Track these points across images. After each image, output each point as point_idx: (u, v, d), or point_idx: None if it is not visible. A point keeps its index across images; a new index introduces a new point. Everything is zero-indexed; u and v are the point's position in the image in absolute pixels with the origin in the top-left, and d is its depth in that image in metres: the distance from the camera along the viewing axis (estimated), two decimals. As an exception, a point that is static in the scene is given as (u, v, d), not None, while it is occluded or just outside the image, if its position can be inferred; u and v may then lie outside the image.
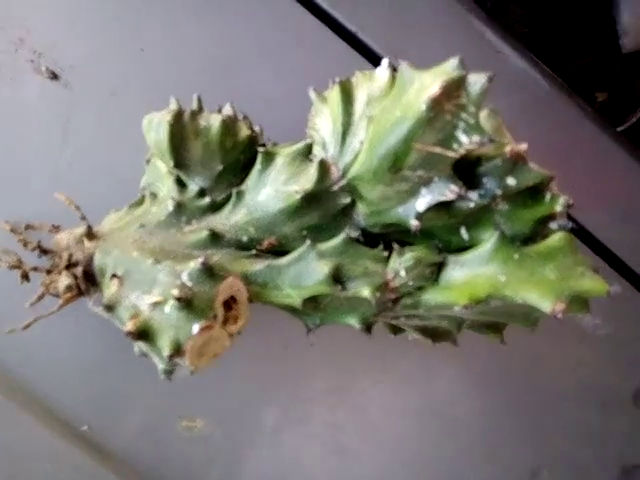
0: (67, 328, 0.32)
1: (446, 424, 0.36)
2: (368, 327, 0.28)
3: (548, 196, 0.23)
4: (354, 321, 0.26)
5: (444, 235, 0.25)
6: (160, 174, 0.29)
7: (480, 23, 0.37)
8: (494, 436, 0.37)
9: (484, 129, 0.20)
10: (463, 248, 0.25)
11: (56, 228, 0.28)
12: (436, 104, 0.19)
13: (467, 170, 0.22)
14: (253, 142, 0.28)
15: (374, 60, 0.35)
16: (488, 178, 0.22)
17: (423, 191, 0.22)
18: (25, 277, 0.28)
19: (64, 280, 0.26)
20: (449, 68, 0.19)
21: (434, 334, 0.29)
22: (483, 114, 0.23)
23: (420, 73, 0.20)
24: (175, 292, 0.23)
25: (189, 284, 0.24)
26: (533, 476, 0.37)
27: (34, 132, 0.31)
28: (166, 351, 0.23)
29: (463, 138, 0.20)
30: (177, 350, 0.23)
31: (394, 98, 0.21)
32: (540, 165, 0.22)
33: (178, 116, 0.26)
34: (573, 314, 0.23)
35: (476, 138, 0.20)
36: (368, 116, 0.23)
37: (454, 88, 0.19)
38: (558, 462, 0.37)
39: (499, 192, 0.22)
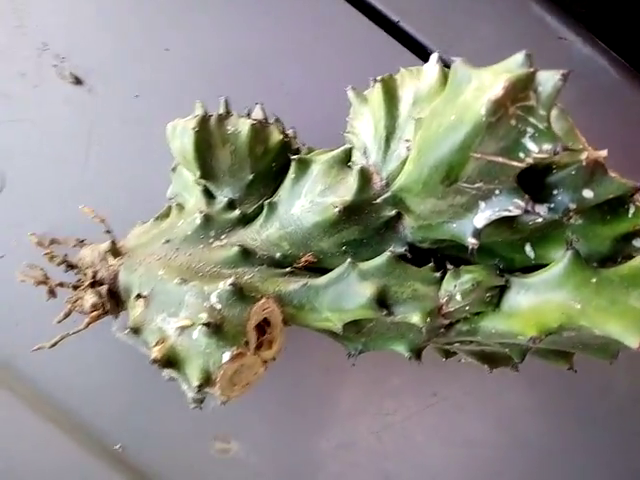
0: (98, 345, 0.31)
1: (497, 453, 0.33)
2: (418, 353, 0.25)
3: (632, 209, 0.19)
4: (402, 348, 0.23)
5: (506, 252, 0.22)
6: (187, 184, 0.27)
7: (539, 6, 0.33)
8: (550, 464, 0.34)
9: (556, 135, 0.17)
10: (529, 267, 0.21)
11: (81, 242, 0.26)
12: (499, 107, 0.16)
13: (535, 179, 0.19)
14: (286, 148, 0.26)
15: (419, 52, 0.32)
16: (560, 190, 0.19)
17: (482, 205, 0.19)
18: (51, 293, 0.27)
19: (90, 298, 0.25)
20: (513, 65, 0.16)
21: (492, 360, 0.26)
22: (552, 115, 0.19)
23: (478, 71, 0.17)
24: (203, 316, 0.21)
25: (218, 307, 0.22)
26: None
27: (59, 139, 0.30)
28: (195, 381, 0.21)
29: (531, 146, 0.17)
30: (207, 380, 0.21)
31: (447, 99, 0.18)
32: (614, 169, 0.19)
33: (204, 122, 0.24)
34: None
35: (547, 146, 0.17)
36: (416, 118, 0.20)
37: (520, 88, 0.16)
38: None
39: (573, 206, 0.19)
